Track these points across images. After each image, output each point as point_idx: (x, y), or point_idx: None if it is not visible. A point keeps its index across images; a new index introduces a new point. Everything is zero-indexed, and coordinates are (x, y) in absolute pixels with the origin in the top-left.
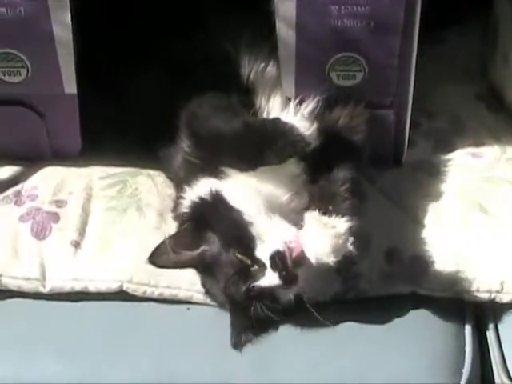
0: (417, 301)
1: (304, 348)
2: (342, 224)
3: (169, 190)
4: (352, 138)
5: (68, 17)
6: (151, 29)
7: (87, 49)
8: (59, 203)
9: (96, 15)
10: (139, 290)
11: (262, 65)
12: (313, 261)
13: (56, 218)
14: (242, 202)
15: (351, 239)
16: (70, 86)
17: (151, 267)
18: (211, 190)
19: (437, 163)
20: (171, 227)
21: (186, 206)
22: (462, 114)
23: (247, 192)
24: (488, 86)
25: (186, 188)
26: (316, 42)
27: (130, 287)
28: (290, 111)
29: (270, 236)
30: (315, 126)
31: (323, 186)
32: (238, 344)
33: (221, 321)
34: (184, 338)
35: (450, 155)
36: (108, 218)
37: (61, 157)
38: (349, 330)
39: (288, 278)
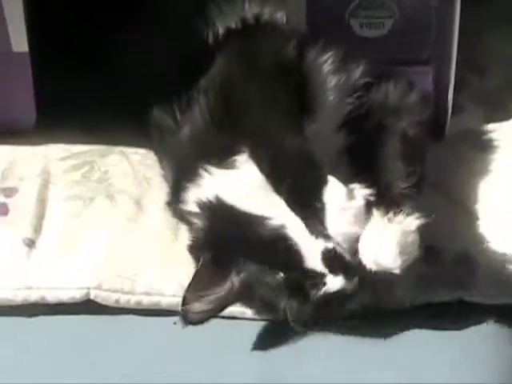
0: (464, 310)
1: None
2: (410, 221)
3: (148, 172)
4: (407, 121)
5: None
6: None
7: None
8: (8, 192)
9: None
10: (111, 299)
11: None
12: (372, 266)
13: (4, 210)
14: (259, 204)
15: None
16: (20, 44)
17: (124, 268)
18: (216, 198)
19: (488, 134)
20: (151, 219)
21: (192, 214)
22: None
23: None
24: None
25: (188, 185)
26: None
27: (98, 295)
28: None
29: (310, 235)
30: None
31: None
32: None
33: (216, 337)
34: (170, 361)
35: (506, 123)
36: (70, 210)
37: (11, 131)
38: (380, 344)
39: (353, 273)
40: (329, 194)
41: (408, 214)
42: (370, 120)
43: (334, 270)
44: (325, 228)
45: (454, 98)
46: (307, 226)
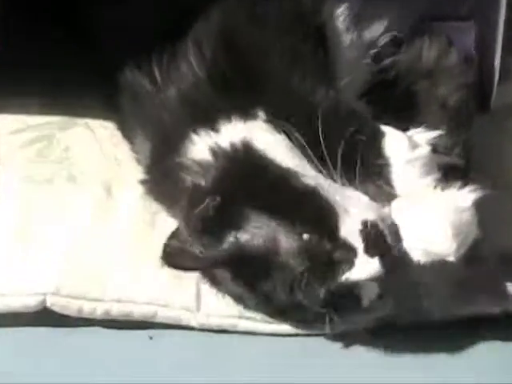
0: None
1: None
2: (464, 195)
3: (119, 150)
4: (447, 87)
5: None
6: None
7: None
8: None
9: None
10: (72, 307)
11: None
12: (419, 254)
13: None
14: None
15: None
16: None
17: (89, 269)
18: (242, 142)
19: None
20: (122, 208)
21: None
22: None
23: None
24: None
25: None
26: None
27: (57, 302)
28: None
29: (352, 203)
30: None
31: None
32: None
33: (203, 354)
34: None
35: None
36: (23, 195)
37: None
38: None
39: (393, 263)
40: (389, 147)
41: (460, 188)
42: (400, 85)
43: (370, 250)
44: (391, 187)
45: (501, 62)
46: (364, 190)
